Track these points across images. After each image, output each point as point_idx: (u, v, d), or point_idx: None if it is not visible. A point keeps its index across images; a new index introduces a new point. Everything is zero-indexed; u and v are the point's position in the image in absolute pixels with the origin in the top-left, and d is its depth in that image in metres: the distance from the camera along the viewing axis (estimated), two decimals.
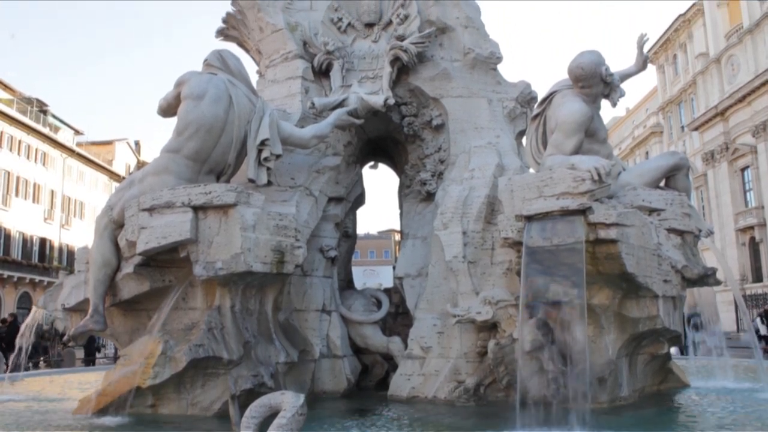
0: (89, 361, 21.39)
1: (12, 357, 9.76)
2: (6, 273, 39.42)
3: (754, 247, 38.46)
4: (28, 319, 8.61)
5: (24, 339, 8.90)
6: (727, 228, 40.02)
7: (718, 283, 6.82)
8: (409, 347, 7.57)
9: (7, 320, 20.38)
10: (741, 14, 39.70)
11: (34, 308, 8.12)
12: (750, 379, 8.26)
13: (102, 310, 6.61)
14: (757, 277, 37.61)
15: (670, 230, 6.54)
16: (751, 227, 38.13)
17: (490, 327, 6.95)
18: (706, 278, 6.53)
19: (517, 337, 6.30)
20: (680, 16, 48.04)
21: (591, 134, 6.62)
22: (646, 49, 7.53)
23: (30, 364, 18.85)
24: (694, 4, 46.17)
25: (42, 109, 45.82)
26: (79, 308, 7.14)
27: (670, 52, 50.81)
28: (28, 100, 44.56)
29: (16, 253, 41.32)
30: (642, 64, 7.48)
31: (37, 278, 42.48)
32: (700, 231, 6.84)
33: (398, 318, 8.56)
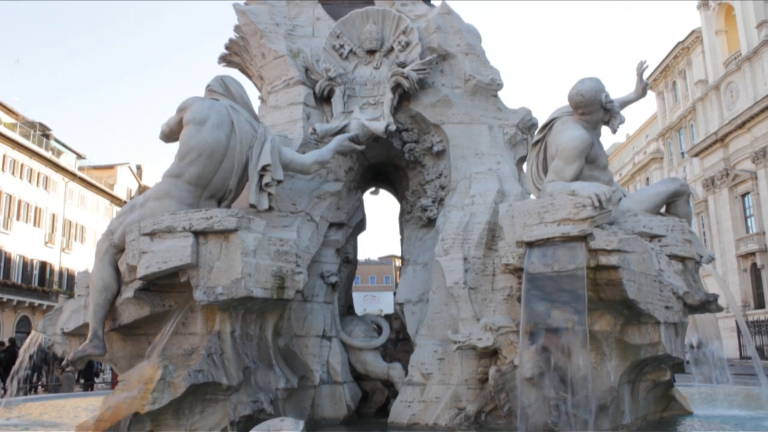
0: (87, 386, 21.27)
1: (10, 382, 9.70)
2: (5, 297, 39.32)
3: (755, 273, 38.38)
4: (27, 344, 8.56)
5: (22, 364, 8.85)
6: (729, 254, 39.96)
7: (720, 309, 6.80)
8: (410, 373, 7.52)
9: (5, 345, 20.28)
10: (739, 42, 40.07)
11: (33, 332, 8.08)
12: (754, 407, 8.20)
13: (101, 335, 6.58)
14: (760, 304, 37.47)
15: (672, 256, 6.53)
16: (753, 253, 38.08)
17: (491, 353, 6.91)
18: (708, 304, 6.51)
19: (518, 363, 6.26)
20: (679, 43, 48.51)
21: (591, 161, 6.65)
22: (645, 76, 7.58)
23: (29, 388, 18.74)
24: (692, 32, 46.64)
25: (45, 133, 46.09)
26: (79, 333, 7.11)
27: (670, 79, 51.21)
28: (31, 124, 44.85)
29: (16, 277, 41.25)
30: (642, 91, 7.54)
31: (37, 302, 42.38)
32: (701, 257, 6.83)
33: (399, 344, 8.51)
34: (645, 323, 6.17)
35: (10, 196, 40.77)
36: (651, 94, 51.80)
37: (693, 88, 46.55)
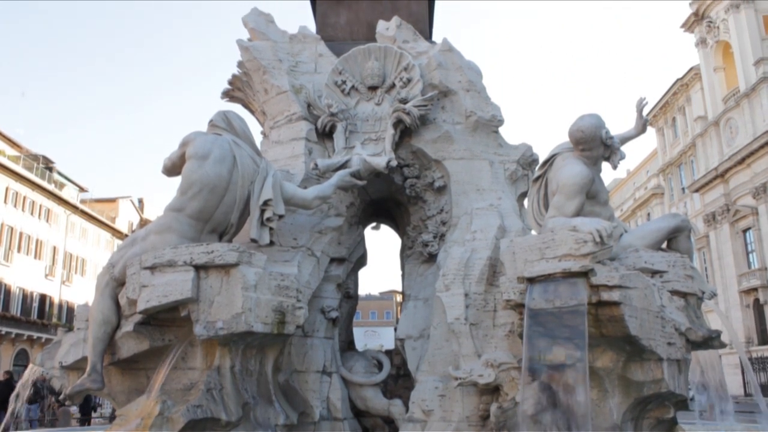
0: (84, 420, 21.04)
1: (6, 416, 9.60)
2: (4, 329, 39.13)
3: (758, 308, 38.22)
4: (24, 377, 8.50)
5: (20, 398, 8.76)
6: (731, 290, 39.85)
7: (723, 345, 6.74)
8: (411, 410, 7.44)
9: (2, 378, 20.06)
10: (737, 79, 40.49)
11: (30, 365, 8.02)
12: None
13: (100, 369, 6.53)
14: (763, 340, 37.24)
15: (673, 292, 6.50)
16: (755, 289, 37.96)
17: (493, 390, 6.85)
18: (711, 341, 6.46)
19: (520, 400, 6.21)
20: (678, 80, 49.01)
21: (592, 196, 6.67)
22: (645, 112, 7.64)
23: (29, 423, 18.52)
24: (691, 69, 47.16)
25: (48, 165, 46.34)
26: (77, 366, 7.05)
27: (669, 116, 51.63)
28: (35, 157, 45.15)
29: (15, 310, 41.10)
30: (642, 127, 7.59)
31: (36, 335, 42.16)
32: (703, 293, 6.80)
33: (399, 380, 8.44)
34: (647, 360, 6.12)
35: (12, 228, 40.85)
36: (651, 130, 52.19)
37: (692, 124, 46.92)
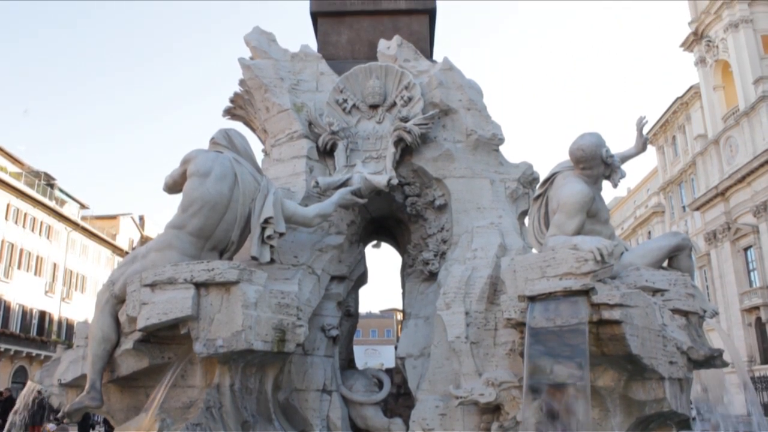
0: None
1: None
2: (3, 346, 38.97)
3: (760, 327, 38.08)
4: (23, 394, 8.44)
5: (18, 415, 8.71)
6: (733, 308, 39.74)
7: (725, 364, 6.72)
8: (411, 429, 7.40)
9: (3, 395, 19.93)
10: (737, 97, 40.67)
11: (29, 383, 7.98)
12: None
13: (99, 387, 6.50)
14: (765, 359, 37.08)
15: (675, 311, 6.49)
16: (757, 307, 37.85)
17: (494, 409, 6.82)
18: (713, 360, 6.45)
19: (521, 419, 6.17)
20: (678, 99, 49.21)
21: (593, 215, 6.67)
22: (645, 131, 7.67)
23: None
24: (691, 88, 47.39)
25: (49, 182, 46.42)
26: (76, 384, 7.03)
27: (669, 134, 51.78)
28: (36, 174, 45.24)
29: (14, 326, 40.98)
30: (642, 146, 7.61)
31: (35, 352, 41.98)
32: (704, 311, 6.79)
33: (400, 399, 8.39)
34: (649, 379, 6.10)
35: (12, 245, 40.83)
36: (651, 149, 52.35)
37: (693, 143, 47.05)
